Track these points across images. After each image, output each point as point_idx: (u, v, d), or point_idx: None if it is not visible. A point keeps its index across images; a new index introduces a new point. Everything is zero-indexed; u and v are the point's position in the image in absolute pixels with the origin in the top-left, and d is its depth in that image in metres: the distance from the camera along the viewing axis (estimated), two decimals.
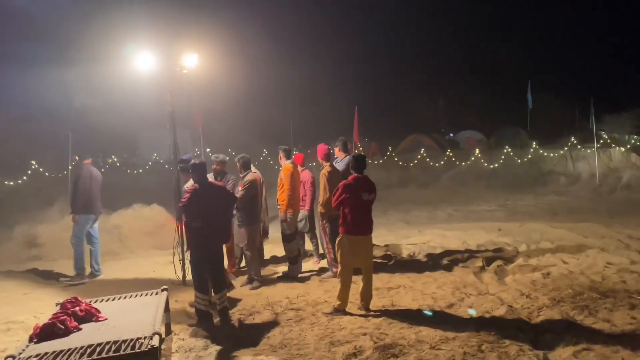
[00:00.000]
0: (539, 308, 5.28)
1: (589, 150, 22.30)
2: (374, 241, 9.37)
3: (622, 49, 34.29)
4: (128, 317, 4.58)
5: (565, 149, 23.08)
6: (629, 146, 22.46)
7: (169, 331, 5.22)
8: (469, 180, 22.96)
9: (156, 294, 5.31)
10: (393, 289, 6.35)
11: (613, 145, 22.59)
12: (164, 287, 5.35)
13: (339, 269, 5.56)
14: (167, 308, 5.21)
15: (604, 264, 7.23)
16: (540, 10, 38.35)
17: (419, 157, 23.12)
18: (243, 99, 29.92)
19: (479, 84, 36.59)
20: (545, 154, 23.50)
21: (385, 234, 11.08)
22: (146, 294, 5.36)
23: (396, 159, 23.34)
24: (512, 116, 32.90)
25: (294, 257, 7.03)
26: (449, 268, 7.35)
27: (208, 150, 23.67)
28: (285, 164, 7.22)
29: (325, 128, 26.95)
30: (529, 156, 23.27)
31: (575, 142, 22.98)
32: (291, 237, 7.00)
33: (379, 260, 7.76)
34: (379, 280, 6.76)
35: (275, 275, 7.34)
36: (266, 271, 7.57)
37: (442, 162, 23.11)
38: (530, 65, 35.22)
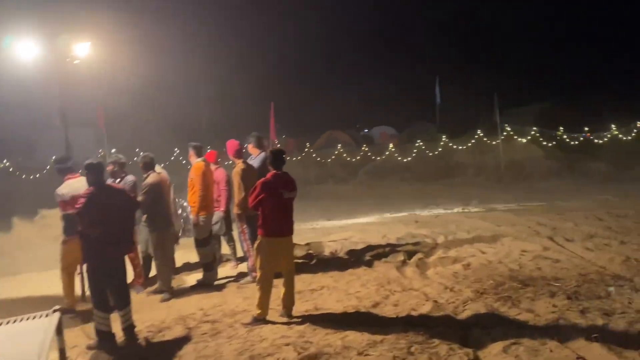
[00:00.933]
0: (464, 302, 5.18)
1: (494, 143, 23.49)
2: (295, 240, 9.11)
3: (525, 47, 36.62)
4: (7, 347, 3.87)
5: (472, 141, 24.17)
6: (529, 137, 23.94)
7: (63, 357, 4.52)
8: (385, 174, 23.39)
9: (46, 315, 4.59)
10: (316, 290, 6.03)
11: (516, 137, 23.97)
12: (56, 307, 4.63)
13: (258, 275, 5.13)
14: (60, 331, 4.51)
15: (519, 252, 7.39)
16: (450, 7, 40.01)
17: (336, 152, 23.17)
18: (153, 95, 28.38)
19: (391, 79, 37.53)
20: (455, 146, 24.47)
21: (306, 232, 10.78)
22: (34, 317, 4.61)
23: (314, 155, 23.22)
24: (423, 111, 34.06)
25: (209, 263, 6.49)
26: (371, 264, 7.16)
27: (113, 150, 22.14)
28: (196, 162, 6.65)
29: (241, 125, 26.20)
30: (439, 149, 24.12)
31: (481, 134, 24.12)
32: (205, 242, 6.46)
33: (300, 261, 7.40)
34: (301, 281, 6.41)
35: (188, 285, 6.75)
36: (178, 281, 6.96)
37: (358, 158, 23.36)
38: (438, 61, 36.62)
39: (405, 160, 23.77)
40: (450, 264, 6.94)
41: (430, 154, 24.29)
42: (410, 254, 7.55)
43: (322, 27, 42.53)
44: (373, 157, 23.31)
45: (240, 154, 6.56)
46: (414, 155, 23.85)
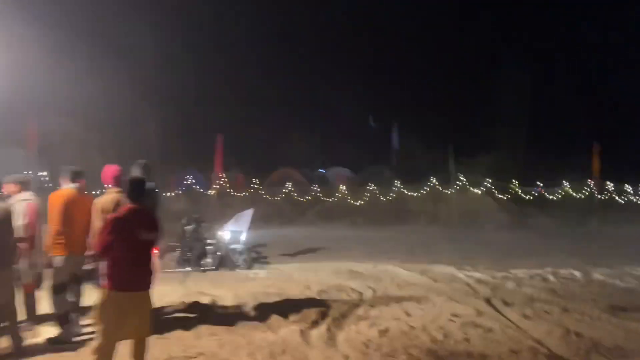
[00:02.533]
0: None
1: (448, 192, 23.00)
2: (196, 287, 7.98)
3: (480, 99, 37.02)
4: None
5: (427, 189, 23.62)
6: (484, 189, 23.56)
7: None
8: (335, 216, 22.43)
9: None
10: (191, 358, 4.85)
11: (470, 188, 23.54)
12: None
13: (95, 343, 3.93)
14: None
15: (449, 316, 6.42)
16: (407, 57, 40.39)
17: (285, 191, 22.13)
18: (98, 116, 26.81)
19: (352, 121, 37.22)
20: (408, 193, 23.85)
21: (225, 277, 9.59)
22: None
23: (260, 192, 22.13)
24: (380, 155, 33.60)
25: (63, 315, 5.22)
26: (274, 324, 6.03)
27: (44, 173, 20.53)
28: (63, 188, 5.47)
29: (188, 155, 24.91)
30: (393, 195, 23.43)
31: (436, 183, 23.62)
32: (60, 289, 5.22)
33: (190, 315, 6.23)
34: (180, 342, 5.25)
35: (42, 339, 5.42)
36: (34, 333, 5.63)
37: (308, 198, 22.40)
38: (398, 106, 36.57)
39: (357, 203, 22.94)
40: (367, 328, 5.88)
41: (384, 199, 23.56)
42: (325, 313, 6.47)
43: (289, 64, 42.23)
44: (323, 198, 22.41)
45: (119, 181, 5.41)
46: (366, 199, 23.06)
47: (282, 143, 31.52)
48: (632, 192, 25.32)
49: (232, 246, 10.68)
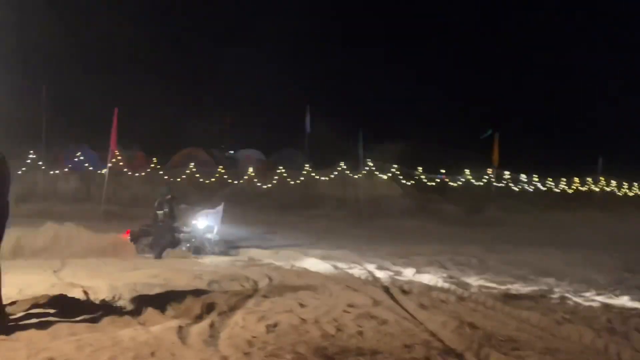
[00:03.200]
0: None
1: (356, 177, 23.09)
2: (70, 276, 7.03)
3: (390, 86, 37.65)
4: None
5: (336, 173, 23.56)
6: (390, 175, 23.93)
7: None
8: (242, 200, 21.69)
9: None
10: None
11: (377, 173, 23.80)
12: None
13: None
14: None
15: (344, 307, 6.07)
16: (320, 44, 40.10)
17: (188, 172, 21.01)
18: None
19: (265, 104, 36.41)
20: (318, 177, 23.66)
21: (106, 265, 8.64)
22: None
23: (161, 172, 20.83)
24: (294, 138, 33.16)
25: None
26: (150, 320, 5.32)
27: None
28: None
29: (83, 129, 22.79)
30: (302, 178, 23.12)
31: (345, 167, 23.61)
32: None
33: (48, 310, 5.36)
34: (30, 344, 4.41)
35: None
36: None
37: (213, 180, 21.44)
38: (311, 89, 36.25)
39: (265, 186, 22.35)
40: (255, 322, 5.35)
41: (292, 183, 23.17)
42: (211, 307, 5.85)
43: (200, 39, 40.29)
44: (230, 181, 21.56)
45: None
46: (274, 182, 22.53)
47: (189, 122, 30.03)
48: (526, 180, 26.98)
49: (207, 235, 10.59)
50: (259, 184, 22.18)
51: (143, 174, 20.45)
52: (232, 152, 32.33)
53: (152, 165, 20.42)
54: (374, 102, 35.45)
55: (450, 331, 5.18)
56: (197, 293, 6.46)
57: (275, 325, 5.22)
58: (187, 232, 10.56)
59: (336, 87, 37.20)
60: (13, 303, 5.53)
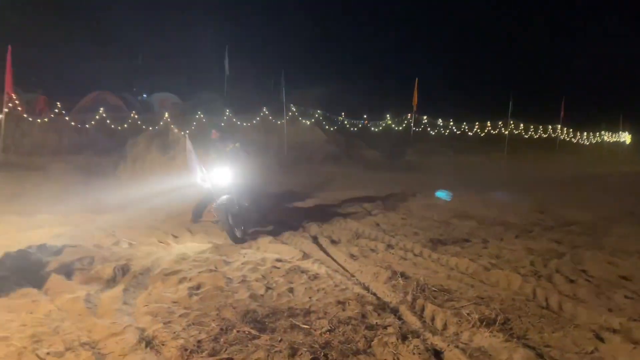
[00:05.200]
0: None
1: (279, 122, 22.46)
2: None
3: (317, 28, 36.62)
4: None
5: (258, 119, 22.80)
6: (313, 120, 23.55)
7: None
8: (158, 147, 20.47)
9: None
10: None
11: (300, 119, 23.32)
12: None
13: None
14: None
15: (273, 261, 5.75)
16: None
17: (97, 117, 19.33)
18: None
19: (184, 43, 34.20)
20: (239, 122, 22.77)
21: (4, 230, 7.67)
22: None
23: (67, 118, 19.00)
24: (212, 82, 31.59)
25: None
26: (55, 289, 4.70)
27: None
28: None
29: None
30: (222, 124, 22.12)
31: (267, 113, 22.88)
32: None
33: None
34: None
35: None
36: None
37: (125, 126, 19.90)
38: (231, 29, 34.45)
39: (183, 132, 21.14)
40: (176, 285, 4.90)
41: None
42: (125, 268, 5.30)
43: None
44: (144, 127, 20.12)
45: None
46: (193, 127, 21.37)
47: (95, 64, 27.50)
48: (441, 125, 27.73)
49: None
50: (176, 131, 20.95)
51: (46, 120, 18.50)
52: (145, 96, 30.36)
53: (56, 111, 18.49)
54: (295, 46, 34.36)
55: (383, 283, 5.04)
56: (109, 254, 5.85)
57: (198, 287, 4.81)
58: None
59: (257, 27, 35.60)
60: None
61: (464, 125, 28.85)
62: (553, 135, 31.96)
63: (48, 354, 3.35)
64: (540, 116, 31.35)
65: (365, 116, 24.83)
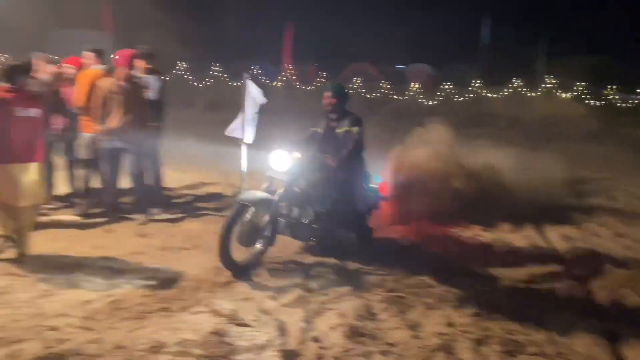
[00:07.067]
0: None
1: (533, 95, 21.06)
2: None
3: None
4: None
5: (510, 91, 21.76)
6: (574, 93, 21.33)
7: None
8: (405, 117, 21.48)
9: None
10: None
11: (558, 92, 21.38)
12: None
13: None
14: None
15: None
16: None
17: (351, 87, 21.31)
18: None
19: (436, 15, 34.39)
20: (488, 94, 22.12)
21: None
22: None
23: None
24: (466, 52, 31.11)
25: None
26: None
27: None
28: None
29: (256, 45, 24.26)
30: (470, 95, 21.84)
31: (520, 84, 21.64)
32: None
33: None
34: None
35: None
36: None
37: (376, 95, 21.41)
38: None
39: (429, 103, 21.69)
40: None
41: (460, 100, 22.06)
42: None
43: None
44: (393, 96, 21.30)
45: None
46: (440, 99, 21.71)
47: (360, 36, 29.85)
48: None
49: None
50: (421, 101, 21.62)
51: (312, 87, 21.29)
52: (401, 66, 31.69)
53: (319, 79, 21.10)
54: (561, 8, 30.80)
55: None
56: None
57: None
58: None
59: None
60: None
61: None
62: None
63: None
64: None
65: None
